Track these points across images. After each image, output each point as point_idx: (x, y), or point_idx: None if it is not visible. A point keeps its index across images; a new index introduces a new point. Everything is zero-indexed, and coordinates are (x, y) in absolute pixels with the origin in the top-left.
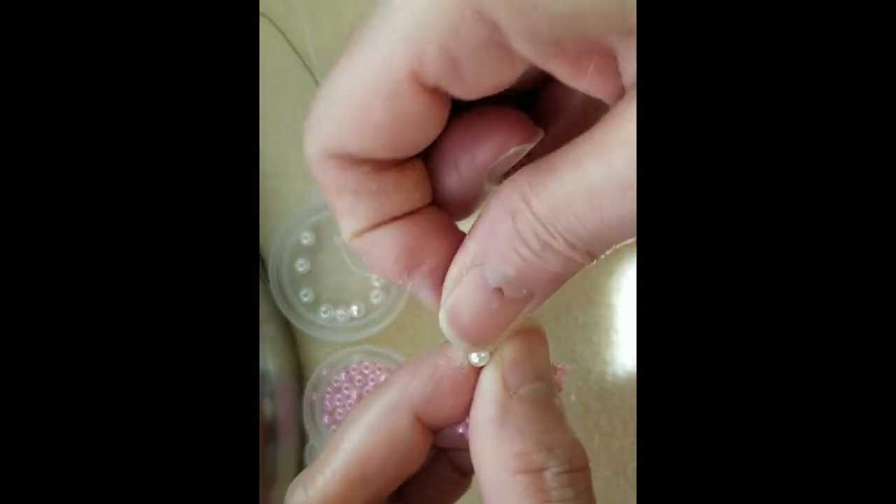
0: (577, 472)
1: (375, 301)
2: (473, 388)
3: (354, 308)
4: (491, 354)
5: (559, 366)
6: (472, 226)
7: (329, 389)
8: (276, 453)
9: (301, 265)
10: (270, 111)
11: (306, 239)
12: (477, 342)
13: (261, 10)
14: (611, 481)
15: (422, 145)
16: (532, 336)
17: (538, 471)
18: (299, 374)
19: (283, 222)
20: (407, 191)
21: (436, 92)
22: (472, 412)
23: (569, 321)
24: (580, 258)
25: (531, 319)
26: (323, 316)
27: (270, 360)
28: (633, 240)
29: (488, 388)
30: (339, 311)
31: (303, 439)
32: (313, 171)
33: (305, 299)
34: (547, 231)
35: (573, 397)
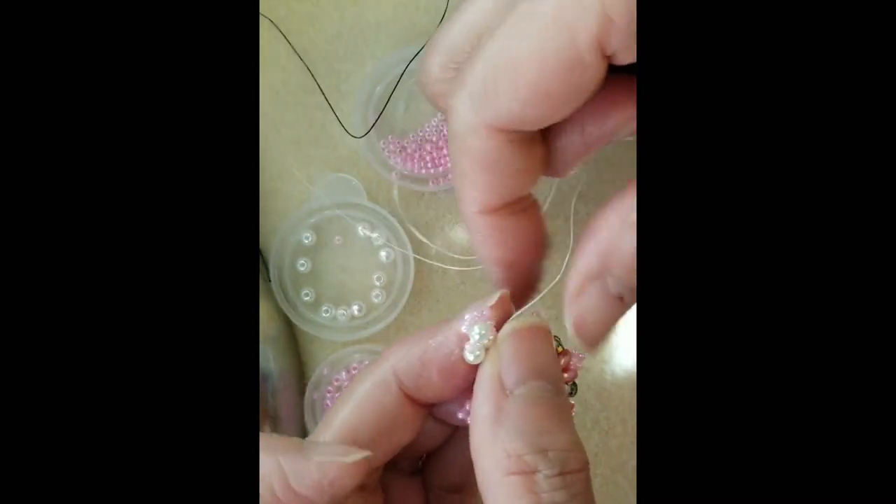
0: (572, 474)
1: (376, 301)
2: (464, 372)
3: (355, 308)
4: (488, 350)
5: (575, 353)
6: (585, 239)
7: (330, 388)
8: None
9: (302, 265)
10: (270, 111)
11: (308, 239)
12: (599, 348)
13: (261, 10)
14: (609, 479)
15: (573, 111)
16: (533, 333)
17: (530, 472)
18: (300, 373)
19: (284, 222)
20: (534, 171)
21: (609, 59)
22: (472, 405)
23: None
24: None
25: (534, 315)
26: (324, 315)
27: (272, 360)
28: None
29: (485, 384)
30: (340, 311)
31: (304, 438)
32: (465, 138)
33: (306, 299)
34: None
35: None
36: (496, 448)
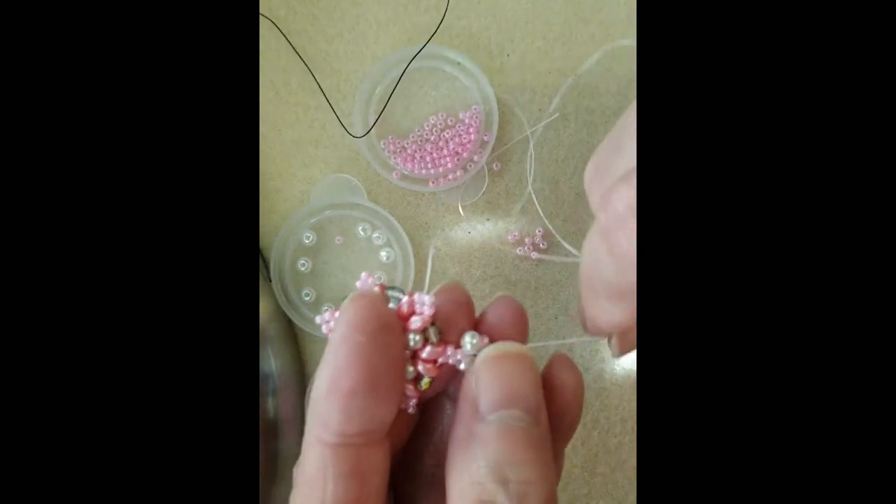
0: None
1: None
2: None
3: None
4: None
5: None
6: None
7: None
8: (277, 451)
9: (303, 265)
10: (271, 111)
11: (308, 239)
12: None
13: (261, 10)
14: (609, 478)
15: None
16: (514, 360)
17: (489, 502)
18: (301, 372)
19: (285, 222)
20: None
21: None
22: (453, 425)
23: (567, 320)
24: None
25: (517, 344)
26: None
27: (272, 359)
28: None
29: (461, 405)
30: None
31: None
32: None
33: (307, 298)
34: None
35: None
36: (463, 472)
